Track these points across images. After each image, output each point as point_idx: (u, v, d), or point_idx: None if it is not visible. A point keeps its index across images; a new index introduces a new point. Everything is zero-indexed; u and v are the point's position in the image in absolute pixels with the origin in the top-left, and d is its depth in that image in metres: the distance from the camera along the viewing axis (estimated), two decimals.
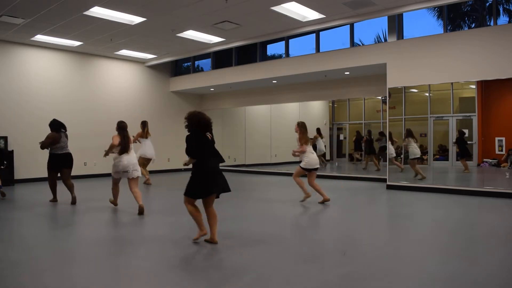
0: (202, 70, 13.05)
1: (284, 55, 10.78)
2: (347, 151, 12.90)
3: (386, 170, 8.67)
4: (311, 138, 8.60)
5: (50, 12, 7.48)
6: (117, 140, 5.88)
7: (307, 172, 6.61)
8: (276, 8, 7.48)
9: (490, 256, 3.78)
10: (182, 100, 13.58)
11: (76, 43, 9.97)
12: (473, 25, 9.47)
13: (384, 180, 8.82)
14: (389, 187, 8.43)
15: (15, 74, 9.80)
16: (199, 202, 4.17)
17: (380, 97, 11.35)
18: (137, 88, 12.36)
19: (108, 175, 11.17)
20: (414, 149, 8.69)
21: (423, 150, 9.05)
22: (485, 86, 8.24)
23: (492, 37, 7.32)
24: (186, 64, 13.43)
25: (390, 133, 9.00)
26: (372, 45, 9.19)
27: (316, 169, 6.63)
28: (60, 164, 6.68)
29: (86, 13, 7.53)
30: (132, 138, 6.27)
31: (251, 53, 11.45)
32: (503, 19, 11.56)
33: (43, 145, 6.62)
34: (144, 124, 9.07)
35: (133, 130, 7.90)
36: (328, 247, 4.16)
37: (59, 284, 3.08)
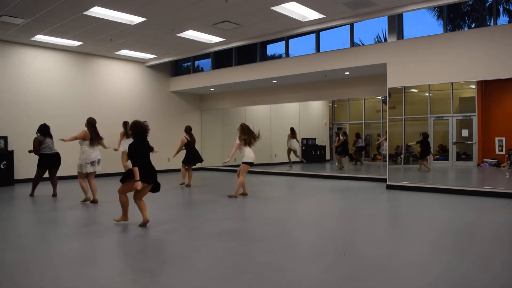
0: (202, 70, 13.06)
1: (284, 55, 10.78)
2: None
3: (386, 170, 8.67)
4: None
5: (50, 12, 7.48)
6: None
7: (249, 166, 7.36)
8: (276, 8, 7.48)
9: (493, 257, 3.77)
10: (182, 100, 13.58)
11: (76, 43, 9.98)
12: (473, 25, 9.47)
13: (384, 180, 8.83)
14: (389, 187, 8.43)
15: (15, 74, 9.80)
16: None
17: (380, 97, 11.37)
18: (137, 88, 12.37)
19: (109, 175, 11.33)
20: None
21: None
22: (485, 86, 8.24)
23: (492, 37, 7.32)
24: (186, 64, 13.44)
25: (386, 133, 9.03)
26: (372, 45, 9.19)
27: (251, 164, 7.37)
28: (51, 164, 7.39)
29: (86, 13, 7.54)
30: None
31: (251, 53, 11.45)
32: (503, 19, 11.59)
33: (35, 151, 7.27)
34: (125, 125, 9.10)
35: None
36: (328, 247, 4.16)
37: (59, 285, 3.09)
